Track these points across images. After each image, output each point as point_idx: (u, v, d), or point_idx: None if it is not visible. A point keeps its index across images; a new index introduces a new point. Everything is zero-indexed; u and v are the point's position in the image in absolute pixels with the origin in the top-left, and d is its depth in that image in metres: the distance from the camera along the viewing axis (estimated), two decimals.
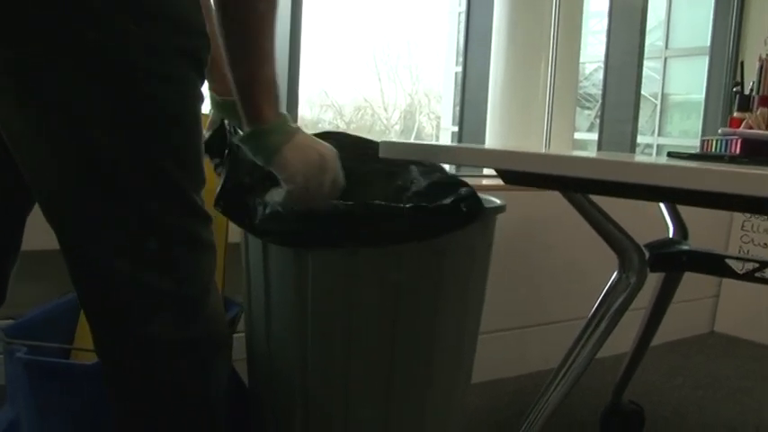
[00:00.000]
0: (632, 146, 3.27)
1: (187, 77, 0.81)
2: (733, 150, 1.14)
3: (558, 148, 2.67)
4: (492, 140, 2.80)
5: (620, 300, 1.20)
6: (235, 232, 1.37)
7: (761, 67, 1.29)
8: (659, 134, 5.48)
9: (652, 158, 1.10)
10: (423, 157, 1.06)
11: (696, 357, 2.32)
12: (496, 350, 1.98)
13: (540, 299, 2.12)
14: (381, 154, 1.05)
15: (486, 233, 1.26)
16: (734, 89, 1.34)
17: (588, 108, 5.32)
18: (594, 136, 4.82)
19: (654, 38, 5.43)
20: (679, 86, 5.66)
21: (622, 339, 1.44)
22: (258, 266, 1.25)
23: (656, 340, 1.63)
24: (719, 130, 1.21)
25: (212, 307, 0.89)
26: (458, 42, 6.18)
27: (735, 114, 1.31)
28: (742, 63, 1.35)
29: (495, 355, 1.97)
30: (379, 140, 1.11)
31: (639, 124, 5.12)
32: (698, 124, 4.13)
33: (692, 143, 4.80)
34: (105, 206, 0.78)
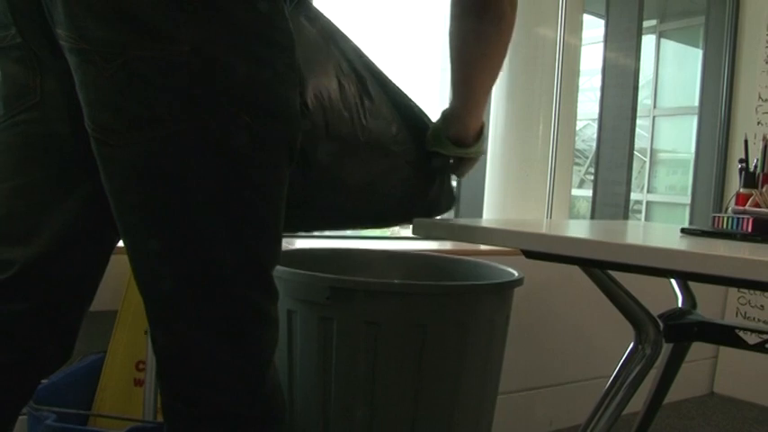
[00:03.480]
0: (626, 206, 3.34)
1: (282, 164, 0.86)
2: (745, 228, 1.19)
3: (556, 207, 2.73)
4: (490, 198, 2.86)
5: (636, 370, 1.24)
6: None
7: (765, 146, 1.36)
8: (648, 191, 5.59)
9: (671, 241, 1.15)
10: (452, 237, 1.11)
11: (698, 419, 2.34)
12: (502, 412, 2.00)
13: (546, 361, 2.14)
14: (414, 232, 1.09)
15: (505, 306, 1.30)
16: (739, 166, 1.40)
17: (578, 164, 5.41)
18: (584, 192, 4.91)
19: (642, 96, 5.58)
20: (665, 144, 5.80)
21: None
22: (282, 332, 1.28)
23: None
24: (730, 209, 1.26)
25: (272, 382, 0.91)
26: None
27: (741, 191, 1.37)
28: (746, 141, 1.42)
29: (501, 416, 1.99)
30: None
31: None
32: (684, 180, 4.21)
33: (680, 200, 4.90)
34: (191, 278, 0.82)
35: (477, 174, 2.94)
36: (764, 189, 1.32)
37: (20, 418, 1.24)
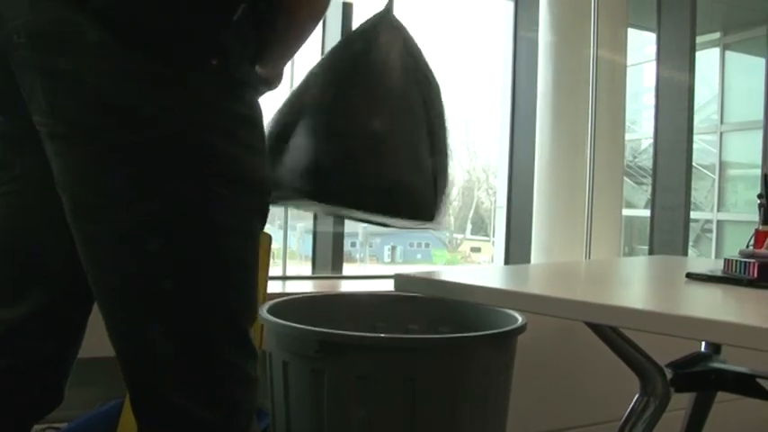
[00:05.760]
0: (685, 231, 3.19)
1: (255, 230, 0.90)
2: (751, 274, 1.11)
3: (602, 239, 2.64)
4: (538, 223, 2.80)
5: (640, 425, 1.18)
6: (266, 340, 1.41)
7: None
8: (719, 209, 5.33)
9: (672, 290, 1.09)
10: (439, 293, 1.08)
11: None
12: None
13: (574, 400, 2.06)
14: (396, 287, 1.08)
15: (505, 355, 1.26)
16: (758, 202, 1.32)
17: (645, 184, 5.23)
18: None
19: (709, 111, 5.35)
20: (741, 158, 5.53)
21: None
22: (279, 382, 1.29)
23: None
24: (738, 251, 1.19)
25: None
26: (509, 120, 6.25)
27: (760, 228, 1.30)
28: (765, 176, 1.33)
29: None
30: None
31: (698, 200, 4.99)
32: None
33: (754, 218, 4.64)
34: (172, 345, 0.85)
35: (526, 199, 2.90)
36: None
37: None
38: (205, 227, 0.84)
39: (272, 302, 1.39)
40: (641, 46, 4.53)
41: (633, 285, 1.31)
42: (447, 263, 6.20)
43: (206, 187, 0.83)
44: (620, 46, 2.83)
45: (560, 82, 2.77)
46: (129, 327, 0.87)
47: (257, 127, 0.90)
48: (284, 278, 2.07)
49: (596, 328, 1.18)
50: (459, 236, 6.52)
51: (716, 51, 4.95)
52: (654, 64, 3.56)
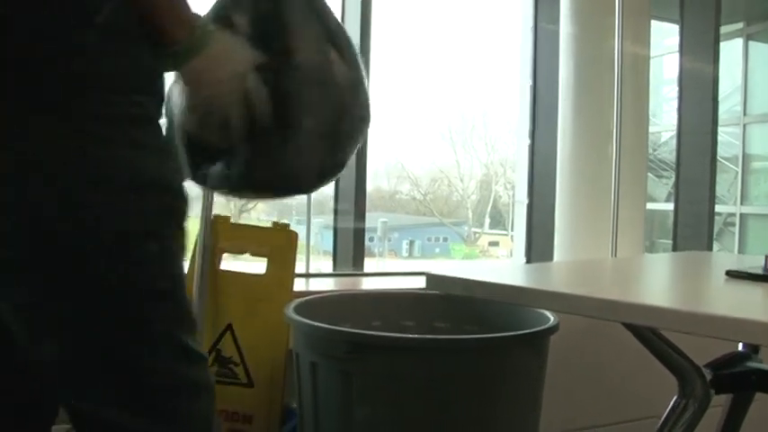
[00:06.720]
0: (710, 225, 3.14)
1: (174, 234, 0.86)
2: None
3: (628, 235, 2.60)
4: (561, 219, 2.76)
5: (681, 425, 1.15)
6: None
7: None
8: (742, 203, 5.25)
9: (710, 289, 1.06)
10: (474, 294, 1.05)
11: None
12: None
13: (613, 395, 2.03)
14: (428, 287, 1.06)
15: (537, 355, 1.23)
16: None
17: (666, 177, 5.18)
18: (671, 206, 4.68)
19: (732, 103, 5.27)
20: (765, 150, 5.44)
21: None
22: (307, 382, 1.27)
23: None
24: None
25: None
26: (530, 114, 6.22)
27: None
28: None
29: None
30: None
31: (721, 193, 4.92)
32: None
33: None
34: (111, 361, 0.82)
35: (548, 193, 2.86)
36: None
37: None
38: (120, 237, 0.80)
39: (298, 301, 1.37)
40: (661, 38, 4.47)
41: (670, 284, 1.28)
42: (465, 257, 6.15)
43: (115, 193, 0.79)
44: (644, 38, 2.78)
45: (582, 75, 2.73)
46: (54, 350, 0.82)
47: (152, 124, 0.85)
48: (307, 275, 2.04)
49: (633, 328, 1.15)
50: (478, 230, 6.49)
51: (739, 42, 4.87)
52: (674, 56, 3.50)
